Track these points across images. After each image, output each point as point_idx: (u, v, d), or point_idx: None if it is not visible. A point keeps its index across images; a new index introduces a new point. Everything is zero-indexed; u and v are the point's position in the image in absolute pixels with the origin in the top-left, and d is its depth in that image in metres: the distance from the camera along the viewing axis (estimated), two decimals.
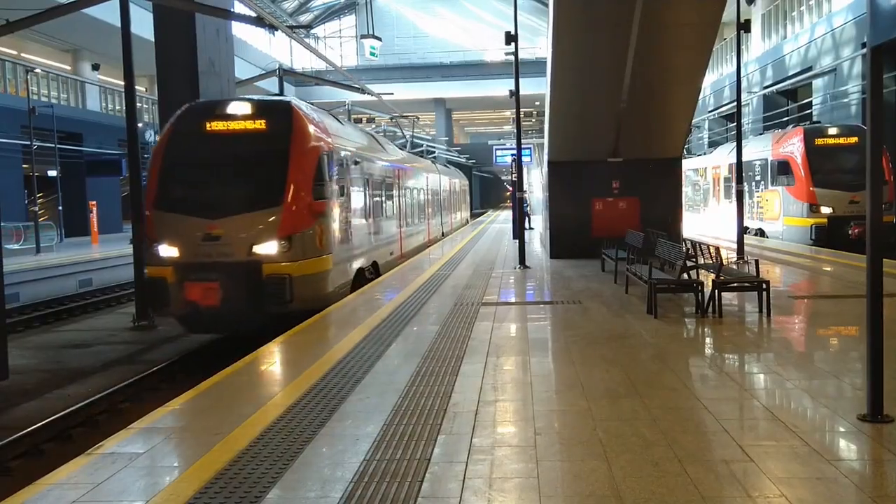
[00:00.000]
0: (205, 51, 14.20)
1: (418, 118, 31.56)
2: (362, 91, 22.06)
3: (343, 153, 12.13)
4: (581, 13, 12.61)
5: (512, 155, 28.60)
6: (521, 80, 15.84)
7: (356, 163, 12.94)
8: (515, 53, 15.42)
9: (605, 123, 15.08)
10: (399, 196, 18.17)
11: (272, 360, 7.32)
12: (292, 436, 4.86)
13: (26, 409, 8.88)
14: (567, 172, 16.58)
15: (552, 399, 5.67)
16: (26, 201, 30.42)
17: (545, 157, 18.06)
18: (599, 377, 6.25)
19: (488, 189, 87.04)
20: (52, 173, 30.02)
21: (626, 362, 6.76)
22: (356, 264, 12.76)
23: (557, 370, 6.67)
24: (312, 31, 58.73)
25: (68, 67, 37.23)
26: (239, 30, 37.77)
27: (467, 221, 41.15)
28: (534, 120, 62.19)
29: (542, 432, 4.86)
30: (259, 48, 50.02)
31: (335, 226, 11.27)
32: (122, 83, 14.34)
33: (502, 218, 40.28)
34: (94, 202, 30.53)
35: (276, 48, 53.31)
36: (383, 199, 15.93)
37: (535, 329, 8.71)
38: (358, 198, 13.09)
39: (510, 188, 38.74)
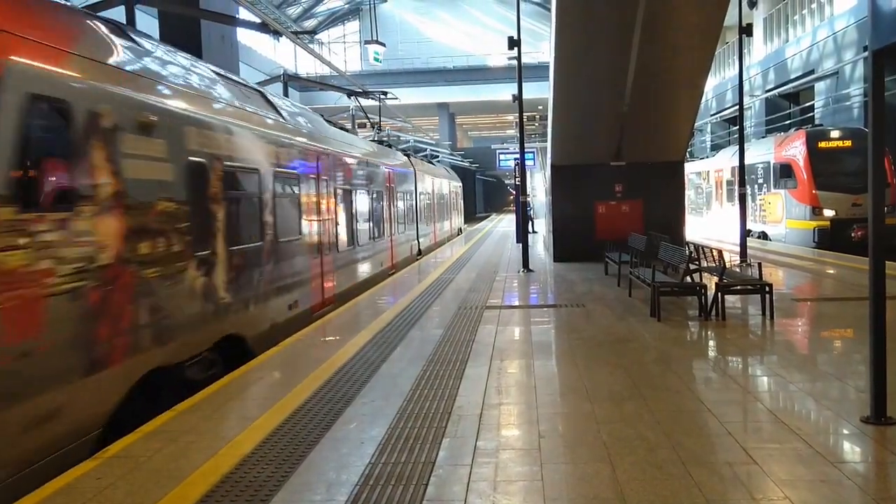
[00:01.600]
0: (210, 57, 14.26)
1: (386, 94, 22.24)
2: (366, 96, 22.06)
3: (100, 101, 5.36)
4: (583, 16, 12.65)
5: (515, 159, 28.64)
6: (523, 84, 15.87)
7: (173, 130, 6.44)
8: (518, 58, 15.47)
9: (608, 127, 15.12)
10: (325, 203, 11.28)
11: (277, 363, 7.34)
12: (297, 439, 4.88)
13: None
14: (570, 176, 16.62)
15: (556, 402, 5.68)
16: None
17: (548, 161, 18.10)
18: (603, 380, 6.26)
19: (492, 193, 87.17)
20: None
21: (629, 365, 6.78)
22: (143, 363, 5.85)
23: (561, 373, 6.69)
24: (316, 36, 58.90)
25: None
26: (244, 36, 37.95)
27: (460, 232, 33.13)
28: (537, 124, 62.30)
29: (547, 435, 4.87)
30: (264, 54, 50.17)
31: (31, 285, 4.56)
32: None
33: (506, 222, 40.27)
34: None
35: (281, 54, 53.46)
36: (277, 208, 9.05)
37: (539, 332, 8.72)
38: (163, 205, 6.23)
39: (513, 192, 38.54)
